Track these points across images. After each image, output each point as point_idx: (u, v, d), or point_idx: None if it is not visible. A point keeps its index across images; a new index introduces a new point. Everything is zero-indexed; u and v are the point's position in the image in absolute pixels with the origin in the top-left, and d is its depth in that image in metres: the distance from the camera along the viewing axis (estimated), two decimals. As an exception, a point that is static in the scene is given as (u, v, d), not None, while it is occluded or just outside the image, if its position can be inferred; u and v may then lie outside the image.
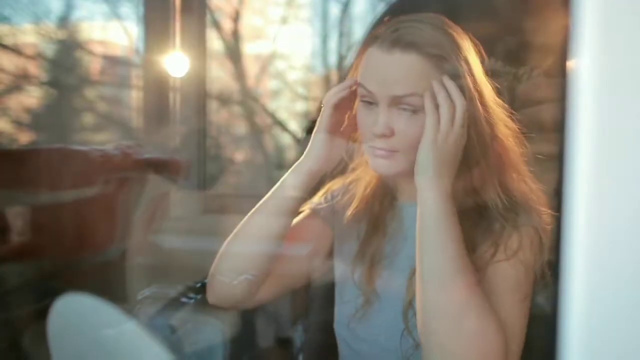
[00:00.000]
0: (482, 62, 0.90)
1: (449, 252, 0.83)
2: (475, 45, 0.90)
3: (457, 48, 0.87)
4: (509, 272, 0.87)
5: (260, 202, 1.00)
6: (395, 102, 0.88)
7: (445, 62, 0.86)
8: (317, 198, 1.08)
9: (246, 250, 1.00)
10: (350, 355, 1.03)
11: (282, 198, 0.98)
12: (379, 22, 0.95)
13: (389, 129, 0.89)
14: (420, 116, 0.87)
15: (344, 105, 0.96)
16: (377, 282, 1.00)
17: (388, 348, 0.97)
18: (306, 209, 1.07)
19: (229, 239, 1.01)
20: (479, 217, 0.91)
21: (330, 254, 1.08)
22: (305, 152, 0.98)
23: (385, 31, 0.89)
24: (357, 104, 0.95)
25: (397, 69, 0.86)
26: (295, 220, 1.03)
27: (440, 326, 0.82)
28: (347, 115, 0.97)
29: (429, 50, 0.86)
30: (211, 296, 1.03)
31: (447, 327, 0.82)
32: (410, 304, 0.94)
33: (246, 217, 1.00)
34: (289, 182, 0.98)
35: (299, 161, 0.98)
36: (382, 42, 0.88)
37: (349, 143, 1.00)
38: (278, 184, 0.99)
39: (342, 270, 1.05)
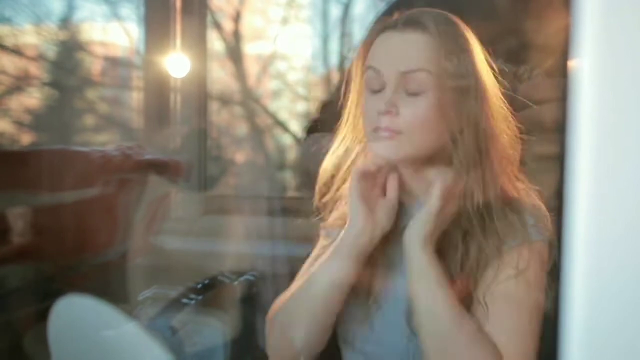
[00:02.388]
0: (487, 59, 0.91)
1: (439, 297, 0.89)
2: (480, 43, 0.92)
3: (466, 40, 0.90)
4: (518, 289, 0.89)
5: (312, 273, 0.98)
6: (403, 81, 0.89)
7: (455, 47, 0.89)
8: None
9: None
10: (354, 356, 1.03)
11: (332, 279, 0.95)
12: (389, 10, 0.96)
13: (394, 106, 0.89)
14: (425, 97, 0.88)
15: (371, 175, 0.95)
16: (379, 284, 1.00)
17: (393, 347, 0.97)
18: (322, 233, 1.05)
19: (285, 303, 1.00)
20: (484, 235, 0.92)
21: None
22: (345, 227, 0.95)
23: (399, 16, 0.92)
24: (363, 95, 0.95)
25: (407, 46, 0.89)
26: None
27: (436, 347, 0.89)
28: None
29: (441, 31, 0.89)
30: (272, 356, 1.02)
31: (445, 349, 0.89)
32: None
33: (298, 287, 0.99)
34: (336, 263, 0.95)
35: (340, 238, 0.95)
36: (395, 24, 0.91)
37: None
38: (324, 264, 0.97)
39: None
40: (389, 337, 0.97)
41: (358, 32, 2.60)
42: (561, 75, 0.43)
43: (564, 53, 0.42)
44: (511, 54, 1.02)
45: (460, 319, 0.88)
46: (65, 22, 2.32)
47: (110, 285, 1.23)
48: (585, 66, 0.41)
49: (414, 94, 0.89)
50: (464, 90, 0.89)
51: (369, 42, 0.94)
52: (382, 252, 1.00)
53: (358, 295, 1.00)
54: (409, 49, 0.89)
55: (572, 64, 0.41)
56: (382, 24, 0.93)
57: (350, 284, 0.95)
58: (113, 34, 2.37)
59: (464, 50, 0.89)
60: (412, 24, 0.90)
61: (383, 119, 0.89)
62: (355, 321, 1.01)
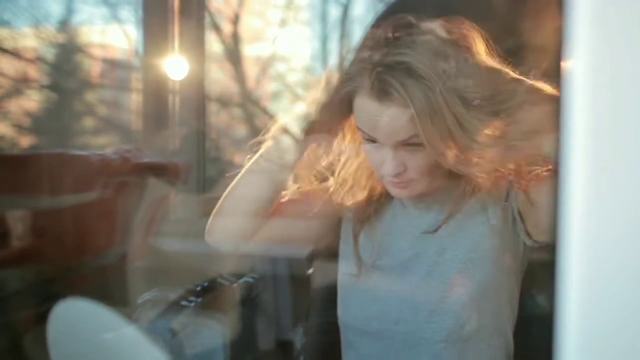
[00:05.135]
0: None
1: None
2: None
3: (445, 69, 0.85)
4: None
5: (264, 149, 1.02)
6: (401, 144, 0.89)
7: (436, 92, 0.84)
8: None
9: (247, 195, 1.04)
10: (356, 339, 1.03)
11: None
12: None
13: (401, 166, 0.91)
14: (423, 148, 0.89)
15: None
16: (376, 264, 1.02)
17: (400, 319, 0.98)
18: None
19: (233, 183, 1.04)
20: None
21: (339, 225, 1.09)
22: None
23: (369, 80, 0.88)
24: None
25: (393, 119, 0.87)
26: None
27: None
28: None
29: (411, 95, 0.85)
30: (210, 236, 1.06)
31: None
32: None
33: (248, 165, 1.04)
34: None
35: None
36: (369, 93, 0.88)
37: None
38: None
39: (347, 251, 1.06)
40: (394, 311, 0.99)
41: (357, 33, 2.61)
42: (556, 76, 0.43)
43: (558, 54, 0.42)
44: (507, 55, 1.02)
45: None
46: (64, 24, 2.32)
47: (109, 288, 1.23)
48: (578, 67, 0.41)
49: (414, 146, 0.89)
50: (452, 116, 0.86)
51: (345, 97, 0.93)
52: (376, 238, 1.02)
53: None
54: (397, 122, 0.87)
55: (565, 65, 0.42)
56: (354, 88, 0.91)
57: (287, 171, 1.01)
58: (112, 36, 2.37)
59: (444, 89, 0.84)
60: (387, 95, 0.86)
61: (393, 177, 0.92)
62: (357, 299, 1.03)
